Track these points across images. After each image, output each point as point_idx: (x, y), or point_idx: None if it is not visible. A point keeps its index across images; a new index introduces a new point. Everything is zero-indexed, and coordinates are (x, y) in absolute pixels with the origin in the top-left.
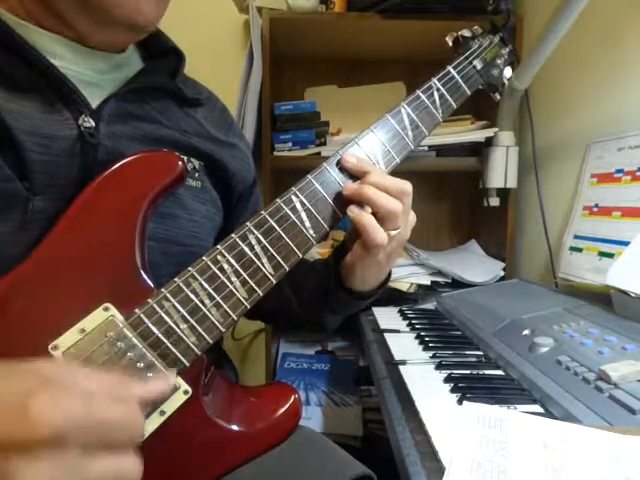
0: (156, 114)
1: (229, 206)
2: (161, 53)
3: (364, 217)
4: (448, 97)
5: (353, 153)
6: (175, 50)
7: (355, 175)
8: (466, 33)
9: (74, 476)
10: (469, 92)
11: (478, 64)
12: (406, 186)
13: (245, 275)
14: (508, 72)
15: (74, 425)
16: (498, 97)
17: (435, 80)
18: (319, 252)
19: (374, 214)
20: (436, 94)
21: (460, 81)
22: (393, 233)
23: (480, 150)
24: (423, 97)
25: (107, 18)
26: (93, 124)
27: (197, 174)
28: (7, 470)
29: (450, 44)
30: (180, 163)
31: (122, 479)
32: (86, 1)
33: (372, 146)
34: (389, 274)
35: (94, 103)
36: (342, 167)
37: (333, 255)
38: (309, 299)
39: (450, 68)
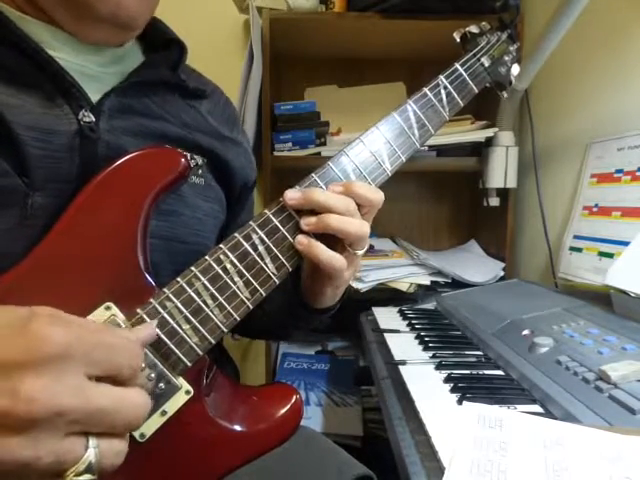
0: (158, 109)
1: (229, 203)
2: (162, 45)
3: (316, 248)
4: (455, 95)
5: (292, 189)
6: (177, 41)
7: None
8: (474, 29)
9: (77, 396)
10: (476, 90)
11: (486, 61)
12: (376, 195)
13: (248, 275)
14: (515, 69)
15: (76, 341)
16: (505, 95)
17: (442, 77)
18: None
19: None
20: (443, 92)
21: (467, 79)
22: (360, 252)
23: (480, 150)
24: (430, 95)
25: (88, 13)
26: (93, 119)
27: (200, 171)
28: (12, 388)
29: (458, 40)
30: (183, 160)
31: (126, 408)
32: None
33: (377, 144)
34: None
35: (94, 97)
36: (286, 207)
37: (290, 278)
38: (273, 313)
39: (458, 65)
